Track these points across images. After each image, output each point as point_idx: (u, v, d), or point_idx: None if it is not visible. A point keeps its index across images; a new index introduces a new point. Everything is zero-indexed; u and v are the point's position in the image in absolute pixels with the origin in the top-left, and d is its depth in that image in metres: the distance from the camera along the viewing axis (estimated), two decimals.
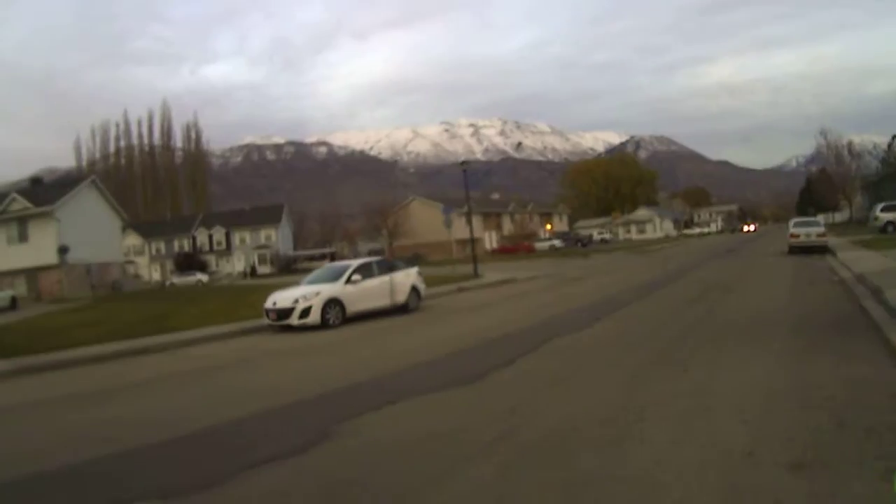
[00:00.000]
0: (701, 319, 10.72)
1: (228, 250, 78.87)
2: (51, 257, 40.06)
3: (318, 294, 14.65)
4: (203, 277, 62.33)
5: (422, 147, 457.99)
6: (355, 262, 16.60)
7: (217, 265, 76.33)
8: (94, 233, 43.87)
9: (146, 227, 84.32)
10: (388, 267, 16.98)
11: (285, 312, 14.36)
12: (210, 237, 79.55)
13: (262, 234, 78.11)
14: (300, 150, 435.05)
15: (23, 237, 41.51)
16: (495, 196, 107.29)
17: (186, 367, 10.73)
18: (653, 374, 6.90)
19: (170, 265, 72.96)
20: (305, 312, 14.26)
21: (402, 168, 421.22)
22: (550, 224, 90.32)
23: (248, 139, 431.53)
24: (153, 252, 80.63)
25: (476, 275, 27.69)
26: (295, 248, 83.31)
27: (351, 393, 7.38)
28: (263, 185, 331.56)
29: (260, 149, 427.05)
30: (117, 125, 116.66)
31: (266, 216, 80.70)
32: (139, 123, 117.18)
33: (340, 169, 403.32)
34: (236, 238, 78.94)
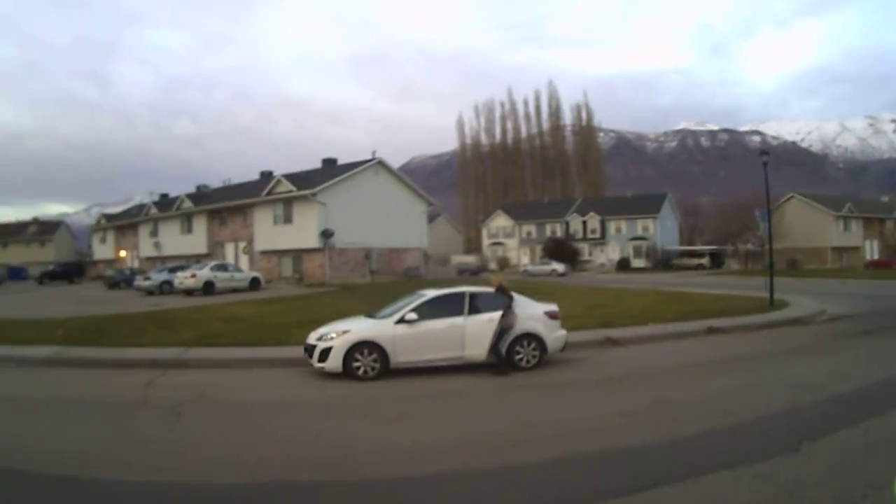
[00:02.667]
0: None
1: (603, 239, 76.99)
2: (314, 240, 41.93)
3: (344, 333, 11.57)
4: (559, 268, 61.17)
5: (849, 141, 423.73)
6: (432, 294, 12.55)
7: (590, 254, 76.11)
8: (378, 216, 44.74)
9: (519, 208, 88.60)
10: (487, 302, 12.24)
11: (309, 350, 11.80)
12: (584, 224, 78.55)
13: (640, 225, 74.95)
14: (734, 138, 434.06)
15: (288, 218, 44.40)
16: (884, 199, 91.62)
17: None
18: None
19: (539, 250, 74.71)
20: (324, 355, 11.42)
21: (832, 163, 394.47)
22: None
23: (682, 124, 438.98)
24: (523, 235, 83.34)
25: (771, 304, 20.72)
26: (682, 241, 79.74)
27: None
28: (697, 171, 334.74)
29: (694, 134, 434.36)
30: (502, 104, 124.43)
31: (646, 205, 77.23)
32: (525, 103, 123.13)
33: (773, 160, 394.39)
34: (612, 227, 76.86)
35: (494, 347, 11.51)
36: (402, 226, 47.25)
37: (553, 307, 12.70)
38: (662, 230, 74.55)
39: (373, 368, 11.26)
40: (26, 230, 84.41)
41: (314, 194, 41.51)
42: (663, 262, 68.70)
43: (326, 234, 41.51)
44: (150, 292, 35.34)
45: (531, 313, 12.25)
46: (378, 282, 40.24)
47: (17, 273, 69.49)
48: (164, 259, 50.70)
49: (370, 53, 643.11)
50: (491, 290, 12.40)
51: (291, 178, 45.15)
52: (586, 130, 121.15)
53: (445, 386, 10.77)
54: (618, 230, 76.06)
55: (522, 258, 77.96)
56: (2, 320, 20.28)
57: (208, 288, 33.62)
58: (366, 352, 11.28)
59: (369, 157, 46.61)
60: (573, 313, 17.59)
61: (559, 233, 78.91)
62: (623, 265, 69.80)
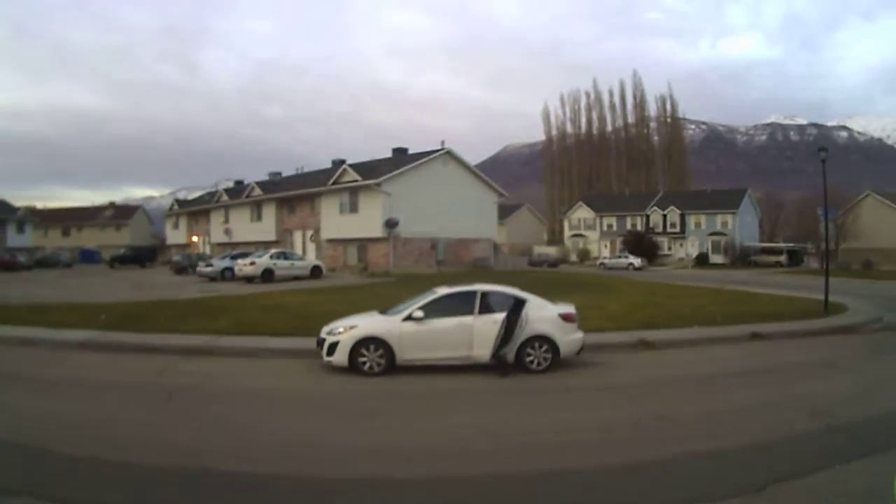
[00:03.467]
0: None
1: (682, 234, 76.76)
2: (378, 230, 42.61)
3: (351, 328, 11.70)
4: (636, 262, 61.56)
5: None
6: (442, 291, 12.51)
7: (669, 249, 76.11)
8: (446, 207, 44.81)
9: (601, 200, 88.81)
10: (500, 302, 11.95)
11: (320, 344, 11.97)
12: (664, 218, 78.37)
13: (718, 220, 74.68)
14: (822, 133, 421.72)
15: (353, 208, 45.20)
16: None
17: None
18: None
19: (619, 243, 74.92)
20: (332, 349, 11.56)
21: None
22: None
23: (772, 118, 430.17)
24: (604, 228, 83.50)
25: (826, 309, 19.45)
26: (763, 238, 78.57)
27: None
28: (787, 166, 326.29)
29: (784, 128, 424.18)
30: (587, 94, 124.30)
31: (726, 200, 76.99)
32: (610, 93, 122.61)
33: (860, 156, 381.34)
34: (691, 221, 76.42)
35: (497, 349, 11.28)
36: (472, 216, 47.27)
37: (569, 309, 12.32)
38: (742, 226, 73.79)
39: (378, 364, 11.31)
40: (102, 214, 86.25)
41: (379, 184, 42.02)
42: (742, 258, 67.42)
43: (390, 224, 41.97)
44: (212, 278, 36.35)
45: (544, 315, 11.95)
46: (444, 272, 40.11)
47: (89, 256, 71.04)
48: (234, 245, 52.08)
49: (464, 41, 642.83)
50: (509, 288, 12.26)
51: (358, 167, 46.09)
52: (671, 122, 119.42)
53: (440, 385, 10.71)
54: (697, 225, 75.76)
55: (603, 250, 77.59)
56: (54, 304, 21.29)
57: (267, 275, 34.25)
58: (372, 348, 11.35)
59: (443, 147, 46.86)
60: (618, 312, 17.17)
61: (639, 226, 78.47)
62: (701, 260, 68.94)
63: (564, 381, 10.82)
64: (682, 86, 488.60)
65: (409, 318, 11.59)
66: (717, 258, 69.89)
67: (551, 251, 76.34)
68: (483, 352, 11.32)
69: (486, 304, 11.75)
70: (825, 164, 21.35)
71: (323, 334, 11.99)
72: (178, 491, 5.94)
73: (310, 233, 48.32)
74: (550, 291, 17.27)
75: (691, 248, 74.32)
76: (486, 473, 6.37)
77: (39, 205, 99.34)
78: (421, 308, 11.72)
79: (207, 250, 57.54)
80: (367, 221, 43.18)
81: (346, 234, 45.06)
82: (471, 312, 11.57)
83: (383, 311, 12.60)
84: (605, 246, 78.78)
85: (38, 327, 16.04)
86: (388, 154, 50.31)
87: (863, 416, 8.28)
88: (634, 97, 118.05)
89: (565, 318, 12.01)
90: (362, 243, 44.25)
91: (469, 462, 6.76)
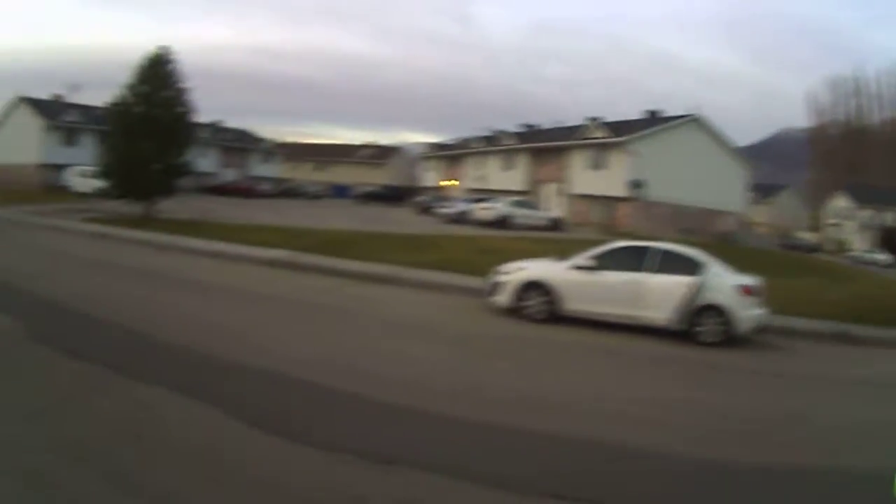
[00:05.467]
0: None
1: None
2: (622, 189, 41.82)
3: (519, 271, 11.60)
4: (882, 258, 56.22)
5: None
6: (619, 243, 12.11)
7: None
8: (693, 175, 42.69)
9: (862, 191, 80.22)
10: (679, 265, 11.00)
11: (491, 285, 11.98)
12: None
13: None
14: None
15: (600, 164, 44.49)
16: None
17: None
18: None
19: (875, 237, 69.16)
20: (498, 289, 11.54)
21: None
22: None
23: None
24: (863, 220, 76.06)
25: None
26: None
27: None
28: None
29: None
30: (853, 81, 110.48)
31: None
32: (877, 82, 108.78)
33: None
34: None
35: (679, 314, 10.49)
36: (719, 187, 44.59)
37: (751, 281, 11.01)
38: None
39: (540, 311, 10.97)
40: (360, 152, 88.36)
41: (625, 143, 41.13)
42: None
43: (636, 185, 40.81)
44: (451, 220, 37.10)
45: (722, 283, 10.84)
46: (685, 240, 38.19)
47: (341, 191, 73.88)
48: (485, 192, 52.06)
49: (746, 16, 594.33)
50: (689, 249, 11.55)
51: (609, 125, 45.27)
52: None
53: (597, 342, 10.10)
54: None
55: (859, 243, 69.92)
56: (266, 226, 23.62)
57: (503, 222, 34.39)
58: (536, 293, 11.03)
59: (693, 114, 44.97)
60: (834, 300, 14.99)
61: None
62: None
63: (728, 360, 9.82)
64: None
65: (577, 266, 11.15)
66: None
67: (810, 237, 71.31)
68: (658, 314, 10.64)
69: (664, 263, 10.99)
70: None
71: (495, 277, 11.87)
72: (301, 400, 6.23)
73: (559, 186, 48.08)
74: (775, 270, 15.91)
75: None
76: (584, 436, 5.85)
77: (299, 140, 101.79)
78: (593, 257, 11.22)
79: (459, 194, 58.34)
80: (613, 180, 42.38)
81: (592, 190, 44.44)
82: (647, 269, 10.87)
83: (559, 259, 12.10)
84: (863, 239, 70.84)
85: (235, 244, 17.75)
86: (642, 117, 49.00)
87: None
88: None
89: (746, 290, 10.82)
90: (608, 201, 43.33)
91: (584, 421, 6.30)
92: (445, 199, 49.47)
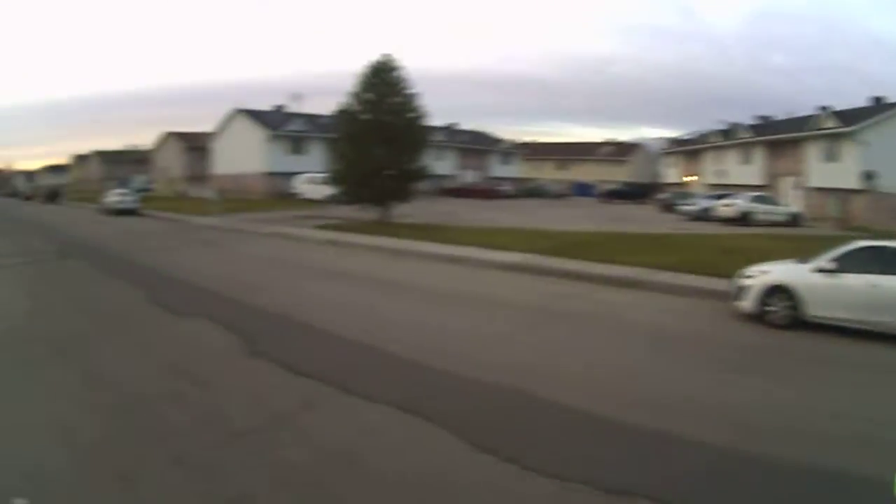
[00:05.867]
0: None
1: None
2: (852, 181, 40.37)
3: (763, 274, 11.45)
4: None
5: None
6: (863, 243, 11.25)
7: None
8: None
9: None
10: None
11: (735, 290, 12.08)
12: None
13: None
14: None
15: (831, 156, 43.34)
16: None
17: None
18: None
19: None
20: (742, 294, 11.49)
21: None
22: None
23: None
24: None
25: None
26: None
27: None
28: None
29: None
30: None
31: None
32: None
33: None
34: None
35: None
36: None
37: None
38: None
39: (783, 317, 10.75)
40: (600, 150, 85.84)
41: (854, 133, 39.97)
42: None
43: (868, 176, 39.06)
44: (693, 217, 37.24)
45: None
46: None
47: (583, 190, 72.54)
48: (724, 187, 50.73)
49: None
50: None
51: (837, 114, 43.68)
52: None
53: (844, 354, 9.44)
54: None
55: None
56: (503, 228, 24.89)
57: (745, 218, 34.11)
58: (780, 297, 10.81)
59: None
60: None
61: None
62: None
63: None
64: None
65: (819, 269, 10.69)
66: None
67: None
68: None
69: None
70: None
71: (740, 280, 11.74)
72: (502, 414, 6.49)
73: (796, 179, 46.59)
74: None
75: None
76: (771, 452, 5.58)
77: (536, 140, 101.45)
78: (833, 259, 10.71)
79: (699, 190, 56.74)
80: (842, 171, 41.05)
81: (825, 183, 42.91)
82: (891, 272, 10.12)
83: (803, 261, 11.60)
84: None
85: (474, 247, 18.73)
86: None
87: None
88: None
89: None
90: (841, 194, 41.14)
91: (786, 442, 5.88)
92: (687, 195, 48.94)
